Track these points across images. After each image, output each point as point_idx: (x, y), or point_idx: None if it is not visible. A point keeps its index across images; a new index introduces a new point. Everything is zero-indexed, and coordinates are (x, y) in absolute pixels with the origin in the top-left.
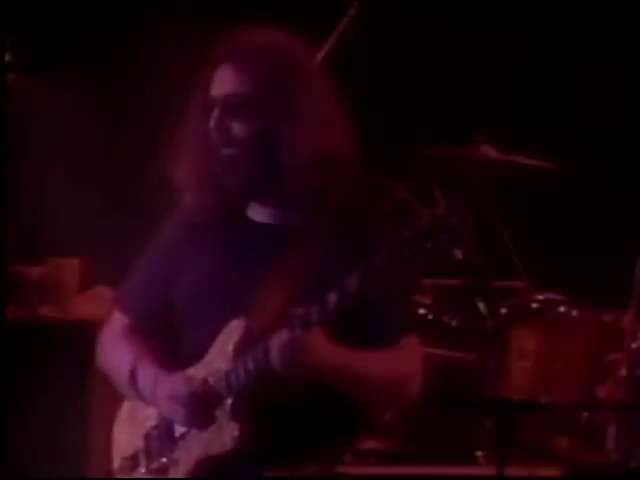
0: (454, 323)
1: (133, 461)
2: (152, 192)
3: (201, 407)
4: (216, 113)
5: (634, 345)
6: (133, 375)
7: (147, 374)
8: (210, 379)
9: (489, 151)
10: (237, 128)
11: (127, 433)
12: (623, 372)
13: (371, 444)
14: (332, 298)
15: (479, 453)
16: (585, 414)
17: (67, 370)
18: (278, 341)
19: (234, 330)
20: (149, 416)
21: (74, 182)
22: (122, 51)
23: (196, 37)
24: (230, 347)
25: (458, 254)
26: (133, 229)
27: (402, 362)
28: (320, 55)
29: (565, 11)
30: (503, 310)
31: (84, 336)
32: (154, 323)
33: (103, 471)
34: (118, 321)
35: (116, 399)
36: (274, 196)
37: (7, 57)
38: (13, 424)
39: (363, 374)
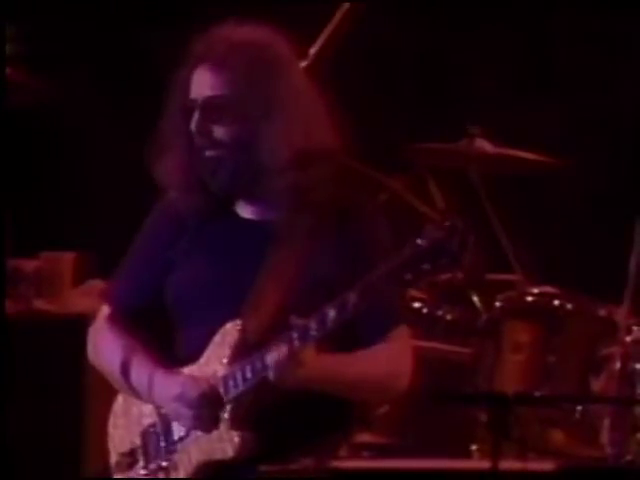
0: (449, 317)
1: (131, 458)
2: (149, 186)
3: (208, 410)
4: (196, 116)
5: (628, 339)
6: (125, 368)
7: (141, 368)
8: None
9: (484, 144)
10: (218, 130)
11: (122, 427)
12: (617, 366)
13: (365, 437)
14: (331, 313)
15: (473, 447)
16: (579, 408)
17: (61, 363)
18: (276, 356)
19: (229, 333)
20: (144, 412)
21: (72, 176)
22: (121, 46)
23: (189, 31)
24: (226, 351)
25: (459, 275)
26: (130, 223)
27: (391, 358)
28: (313, 49)
29: (562, 2)
30: (498, 304)
31: (78, 329)
32: (141, 316)
33: (100, 466)
34: (106, 314)
35: (111, 392)
36: (259, 194)
37: (7, 50)
38: (6, 417)
39: (351, 379)
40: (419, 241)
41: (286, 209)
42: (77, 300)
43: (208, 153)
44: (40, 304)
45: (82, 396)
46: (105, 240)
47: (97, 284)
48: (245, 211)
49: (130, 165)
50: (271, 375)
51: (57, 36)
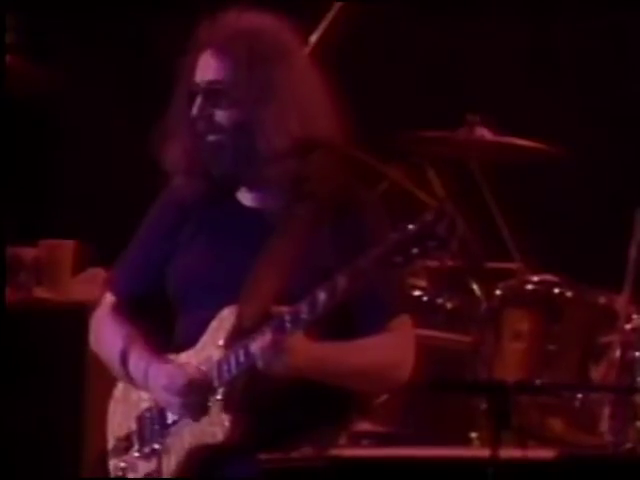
0: (449, 305)
1: (126, 442)
2: (149, 174)
3: (196, 397)
4: (198, 100)
5: (628, 327)
6: (124, 357)
7: (138, 358)
8: (202, 367)
9: (484, 133)
10: (219, 115)
11: (121, 413)
12: (617, 354)
13: (365, 426)
14: (322, 296)
15: (473, 435)
16: (579, 396)
17: (61, 351)
18: (260, 342)
19: (225, 319)
20: (142, 397)
21: (72, 164)
22: (123, 33)
23: (194, 18)
24: (221, 337)
25: (455, 262)
26: (130, 211)
27: (390, 347)
28: (313, 38)
29: None
30: (498, 292)
31: (78, 317)
32: (144, 304)
33: (97, 452)
34: (108, 301)
35: (111, 380)
36: (259, 182)
37: (7, 39)
38: (6, 405)
39: (349, 368)
40: (410, 226)
41: (284, 198)
42: (77, 288)
43: (209, 138)
44: (40, 292)
45: (82, 384)
46: (105, 228)
47: (97, 272)
48: (246, 199)
49: (130, 154)
50: (259, 361)
51: (58, 25)
